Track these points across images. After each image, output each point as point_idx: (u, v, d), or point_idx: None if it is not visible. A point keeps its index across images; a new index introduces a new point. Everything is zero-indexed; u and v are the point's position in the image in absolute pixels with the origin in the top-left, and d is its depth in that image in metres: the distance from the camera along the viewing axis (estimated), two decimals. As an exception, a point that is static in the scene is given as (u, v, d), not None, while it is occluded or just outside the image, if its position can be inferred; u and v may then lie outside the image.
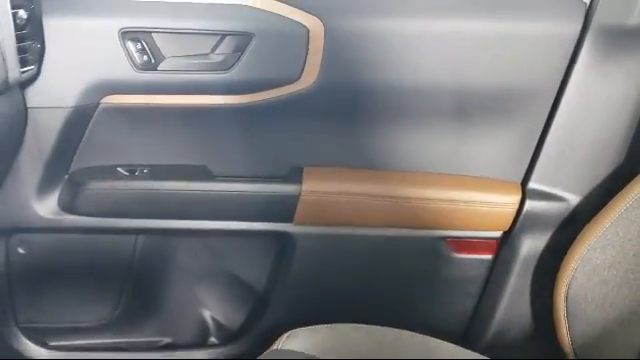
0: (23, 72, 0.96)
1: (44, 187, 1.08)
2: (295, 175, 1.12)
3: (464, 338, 1.17)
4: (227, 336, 1.25)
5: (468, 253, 1.15)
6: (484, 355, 1.03)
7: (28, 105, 1.02)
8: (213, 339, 1.26)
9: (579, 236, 0.99)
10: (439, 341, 1.04)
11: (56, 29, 1.01)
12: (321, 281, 1.18)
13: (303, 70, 1.04)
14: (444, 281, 1.17)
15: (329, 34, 1.02)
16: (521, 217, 1.10)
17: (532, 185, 1.10)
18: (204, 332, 1.26)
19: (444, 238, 1.14)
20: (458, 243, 1.14)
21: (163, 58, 1.04)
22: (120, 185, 1.09)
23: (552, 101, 1.06)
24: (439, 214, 1.11)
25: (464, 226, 1.12)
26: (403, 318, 1.13)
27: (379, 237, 1.13)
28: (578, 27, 1.02)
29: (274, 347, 0.98)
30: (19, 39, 0.94)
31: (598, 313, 0.96)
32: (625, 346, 0.93)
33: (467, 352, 1.04)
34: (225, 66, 1.05)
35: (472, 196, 1.10)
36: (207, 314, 1.26)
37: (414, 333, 1.04)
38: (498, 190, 1.11)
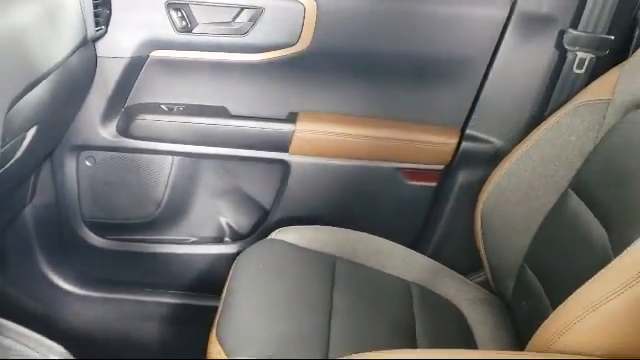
0: (97, 31, 1.31)
1: (107, 116, 1.43)
2: (292, 117, 1.46)
3: (414, 245, 1.49)
4: (237, 236, 1.60)
5: (418, 181, 1.47)
6: (434, 258, 1.38)
7: (98, 55, 1.37)
8: (227, 239, 1.61)
9: (496, 168, 1.33)
10: (393, 243, 1.40)
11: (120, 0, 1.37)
12: (308, 195, 1.50)
13: (300, 37, 1.38)
14: (400, 201, 1.50)
15: (320, 11, 1.36)
16: (458, 155, 1.43)
17: (468, 131, 1.43)
18: (221, 233, 1.61)
19: (400, 169, 1.47)
20: (410, 173, 1.47)
21: (197, 24, 1.38)
22: (162, 118, 1.44)
23: (485, 69, 1.39)
24: (396, 150, 1.44)
25: (415, 160, 1.45)
26: (370, 225, 1.46)
27: (353, 166, 1.46)
28: (505, 13, 1.34)
29: (267, 239, 1.36)
30: (94, 7, 1.30)
31: (502, 225, 1.30)
32: (517, 248, 1.26)
33: (411, 252, 1.40)
34: (242, 32, 1.38)
35: (421, 137, 1.43)
36: (223, 220, 1.61)
37: (375, 236, 1.40)
38: (441, 133, 1.44)
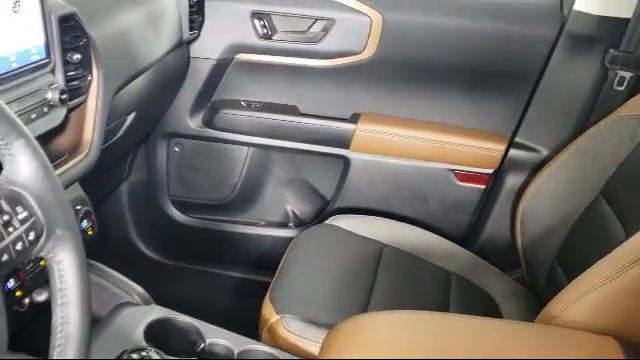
0: (191, 34, 1.53)
1: (195, 109, 1.65)
2: (354, 117, 1.62)
3: (462, 242, 1.60)
4: (299, 222, 1.78)
5: (468, 182, 1.60)
6: (477, 254, 1.50)
7: (191, 55, 1.59)
8: (291, 224, 1.79)
9: (538, 173, 1.44)
10: (439, 237, 1.52)
11: (211, 8, 1.57)
12: (364, 189, 1.65)
13: (365, 46, 1.55)
14: (450, 200, 1.62)
15: (385, 23, 1.52)
16: (506, 160, 1.55)
17: (517, 139, 1.54)
18: (285, 218, 1.80)
19: (452, 170, 1.60)
20: (461, 175, 1.60)
21: (276, 31, 1.58)
22: (241, 113, 1.64)
23: (534, 82, 1.50)
24: (449, 153, 1.57)
25: (466, 163, 1.58)
26: (419, 220, 1.61)
27: (407, 165, 1.61)
28: (555, 32, 1.45)
29: (323, 223, 1.52)
30: (190, 14, 1.52)
31: (538, 225, 1.40)
32: (550, 248, 1.36)
33: (455, 246, 1.52)
34: (315, 40, 1.57)
35: (473, 142, 1.56)
36: (288, 207, 1.80)
37: (423, 229, 1.53)
38: (492, 139, 1.56)
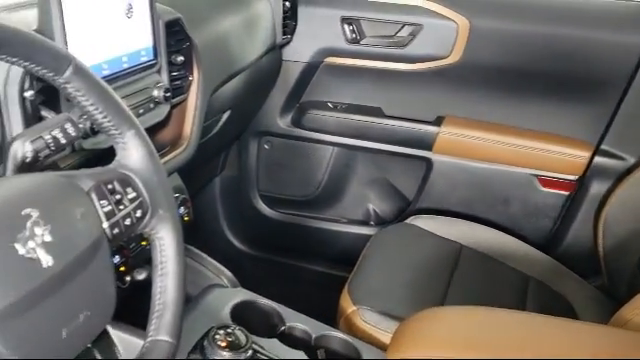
0: (283, 39, 1.62)
1: (285, 109, 1.74)
2: (438, 120, 1.65)
3: (543, 247, 1.58)
4: (380, 221, 1.83)
5: (551, 188, 1.59)
6: (557, 259, 1.50)
7: (283, 58, 1.68)
8: (372, 222, 1.85)
9: (622, 181, 1.42)
10: (519, 241, 1.53)
11: (304, 14, 1.65)
12: (446, 191, 1.68)
13: (452, 51, 1.58)
14: (532, 205, 1.62)
15: (472, 29, 1.55)
16: (591, 167, 1.53)
17: (603, 146, 1.52)
18: (367, 217, 1.86)
19: (535, 175, 1.60)
20: (544, 180, 1.59)
21: (365, 36, 1.64)
22: (328, 114, 1.72)
23: (622, 91, 1.47)
24: (533, 158, 1.57)
25: (550, 169, 1.58)
26: (500, 223, 1.62)
27: (490, 169, 1.62)
28: None
29: (403, 222, 1.56)
30: (284, 19, 1.61)
31: (621, 233, 1.38)
32: (632, 256, 1.34)
33: (536, 251, 1.52)
34: (402, 44, 1.62)
35: (557, 148, 1.55)
36: (370, 206, 1.85)
37: (503, 232, 1.54)
38: (576, 146, 1.55)
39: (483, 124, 1.63)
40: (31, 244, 0.54)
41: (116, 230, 0.65)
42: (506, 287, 1.39)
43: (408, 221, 1.55)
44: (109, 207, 0.64)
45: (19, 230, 0.54)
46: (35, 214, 0.56)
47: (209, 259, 1.24)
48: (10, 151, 0.68)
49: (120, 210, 0.66)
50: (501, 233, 1.55)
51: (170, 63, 1.07)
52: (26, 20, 0.81)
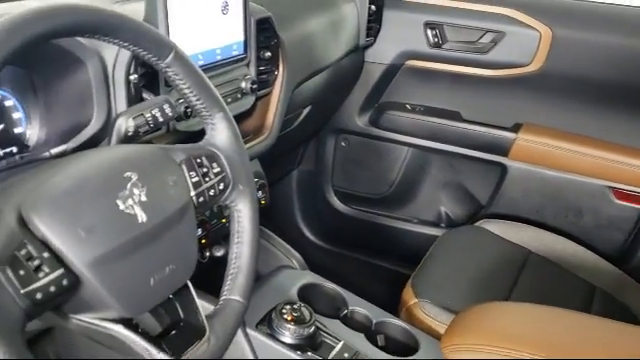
0: (366, 40, 1.68)
1: (363, 109, 1.80)
2: (515, 127, 1.66)
3: (613, 259, 1.55)
4: (451, 223, 1.86)
5: (626, 201, 1.57)
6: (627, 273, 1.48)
7: (365, 60, 1.75)
8: (442, 224, 1.88)
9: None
10: (589, 251, 1.52)
11: (388, 17, 1.70)
12: (519, 197, 1.69)
13: (533, 59, 1.59)
14: (605, 217, 1.60)
15: (555, 38, 1.56)
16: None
17: None
18: (438, 219, 1.89)
19: (610, 187, 1.59)
20: (619, 193, 1.58)
21: (447, 41, 1.68)
22: (405, 115, 1.76)
23: None
24: (609, 170, 1.56)
25: (626, 181, 1.55)
26: (571, 233, 1.61)
27: (565, 178, 1.62)
28: None
29: (472, 225, 1.59)
30: (368, 22, 1.67)
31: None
32: None
33: (605, 262, 1.50)
34: (483, 50, 1.64)
35: (635, 162, 1.53)
36: (442, 208, 1.88)
37: (573, 242, 1.54)
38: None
39: (560, 133, 1.63)
40: (130, 202, 0.63)
41: (201, 199, 0.73)
42: (571, 295, 1.39)
43: (477, 224, 1.58)
44: (197, 178, 0.73)
45: (121, 189, 0.63)
46: (134, 177, 0.65)
47: (281, 242, 1.32)
48: (115, 125, 0.78)
49: (206, 182, 0.74)
50: (571, 242, 1.54)
51: (258, 58, 1.16)
52: (135, 11, 0.91)
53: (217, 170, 0.76)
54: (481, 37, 1.65)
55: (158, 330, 0.67)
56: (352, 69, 1.72)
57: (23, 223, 0.58)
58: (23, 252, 0.55)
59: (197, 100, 0.76)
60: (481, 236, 1.52)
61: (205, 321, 0.71)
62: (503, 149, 1.68)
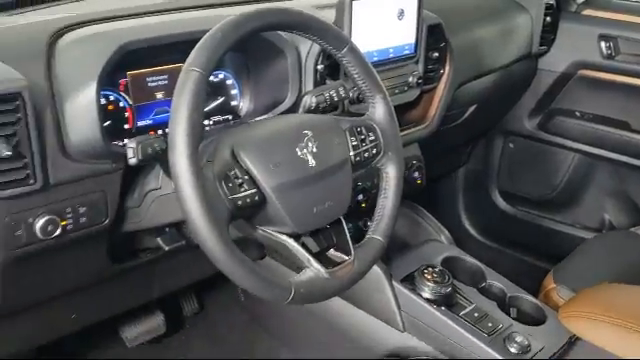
0: (540, 49, 1.78)
1: (533, 113, 1.90)
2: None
3: None
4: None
5: None
6: None
7: (538, 67, 1.84)
8: (604, 231, 1.89)
9: None
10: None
11: (563, 29, 1.78)
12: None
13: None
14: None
15: None
16: None
17: None
18: (600, 225, 1.91)
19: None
20: None
21: (620, 53, 1.73)
22: (574, 121, 1.82)
23: None
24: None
25: None
26: None
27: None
28: None
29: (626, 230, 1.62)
30: (542, 32, 1.77)
31: None
32: None
33: None
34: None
35: None
36: (606, 216, 1.90)
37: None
38: None
39: None
40: (305, 151, 0.88)
41: (357, 158, 0.96)
42: None
43: (633, 229, 1.61)
44: (356, 142, 0.96)
45: (300, 141, 0.88)
46: (310, 134, 0.89)
47: (432, 218, 1.50)
48: (302, 100, 1.04)
49: (363, 146, 0.97)
50: None
51: (427, 57, 1.36)
52: (328, 16, 1.17)
53: (372, 138, 0.98)
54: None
55: (317, 249, 0.91)
56: (523, 75, 1.83)
57: (234, 156, 0.85)
58: (232, 173, 0.82)
59: (363, 83, 0.99)
60: (632, 240, 1.56)
61: (353, 249, 0.93)
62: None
